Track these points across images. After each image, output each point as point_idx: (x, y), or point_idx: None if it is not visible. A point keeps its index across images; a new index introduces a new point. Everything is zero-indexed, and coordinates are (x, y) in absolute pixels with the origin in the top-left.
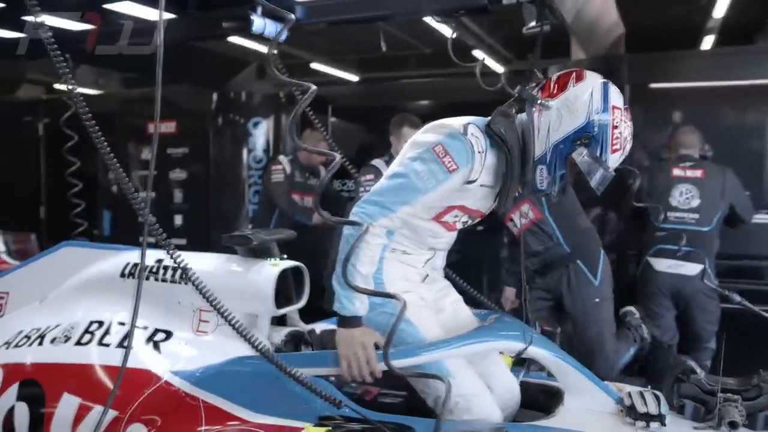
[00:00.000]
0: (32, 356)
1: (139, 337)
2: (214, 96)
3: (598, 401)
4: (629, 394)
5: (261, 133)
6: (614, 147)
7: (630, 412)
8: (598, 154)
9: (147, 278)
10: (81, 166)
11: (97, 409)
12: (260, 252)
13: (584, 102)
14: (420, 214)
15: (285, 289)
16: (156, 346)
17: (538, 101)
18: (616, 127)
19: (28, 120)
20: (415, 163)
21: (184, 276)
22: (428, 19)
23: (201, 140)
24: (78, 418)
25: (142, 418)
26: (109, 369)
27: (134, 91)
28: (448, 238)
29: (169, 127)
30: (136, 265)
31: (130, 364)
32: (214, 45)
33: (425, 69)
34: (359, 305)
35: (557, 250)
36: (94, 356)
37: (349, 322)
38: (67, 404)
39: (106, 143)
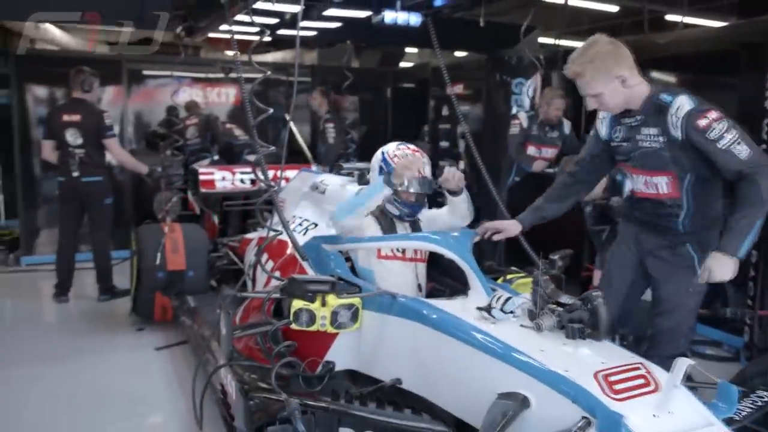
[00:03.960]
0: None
1: (304, 224)
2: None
3: (479, 298)
4: (493, 296)
5: (525, 91)
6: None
7: (483, 305)
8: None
9: (314, 191)
10: None
11: (270, 263)
12: (361, 177)
13: (374, 162)
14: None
15: None
16: (306, 231)
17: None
18: (393, 157)
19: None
20: None
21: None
22: None
23: (478, 99)
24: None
25: (280, 268)
26: (285, 243)
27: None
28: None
29: (458, 89)
30: (318, 182)
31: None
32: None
33: None
34: None
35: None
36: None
37: None
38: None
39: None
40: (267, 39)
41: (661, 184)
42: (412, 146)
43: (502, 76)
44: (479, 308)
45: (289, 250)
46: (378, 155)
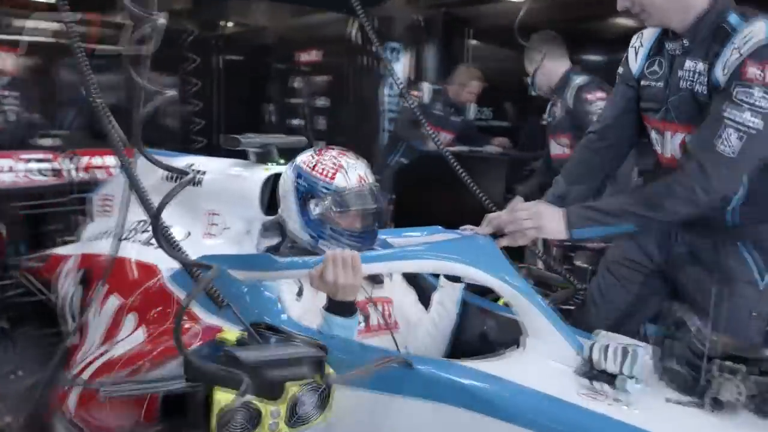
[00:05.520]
0: (94, 249)
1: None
2: (355, 23)
3: (556, 350)
4: (592, 347)
5: (399, 59)
6: (328, 175)
7: (585, 366)
8: (323, 193)
9: (176, 180)
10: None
11: (113, 299)
12: (263, 157)
13: (285, 186)
14: None
15: None
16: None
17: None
18: (314, 167)
19: None
20: None
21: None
22: None
23: (342, 68)
24: (102, 303)
25: (137, 307)
26: (132, 263)
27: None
28: None
29: (313, 55)
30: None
31: (144, 259)
32: None
33: None
34: None
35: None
36: (126, 251)
37: None
38: (98, 290)
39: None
40: None
41: None
42: (336, 148)
43: (370, 41)
44: (588, 376)
45: (137, 273)
46: (289, 174)
